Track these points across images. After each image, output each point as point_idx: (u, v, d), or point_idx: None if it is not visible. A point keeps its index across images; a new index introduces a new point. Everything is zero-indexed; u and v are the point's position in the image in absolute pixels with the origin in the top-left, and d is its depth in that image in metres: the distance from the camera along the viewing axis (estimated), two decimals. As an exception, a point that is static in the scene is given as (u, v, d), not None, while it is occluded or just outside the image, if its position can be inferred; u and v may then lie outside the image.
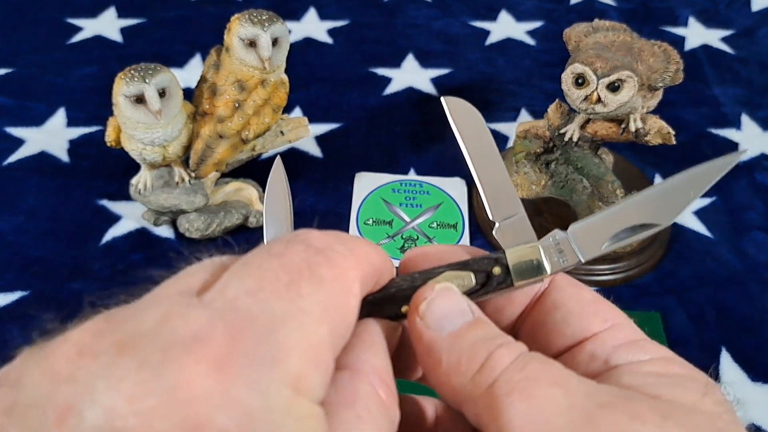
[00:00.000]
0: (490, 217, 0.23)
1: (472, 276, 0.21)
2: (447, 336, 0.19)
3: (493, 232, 0.22)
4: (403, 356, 0.22)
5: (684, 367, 0.19)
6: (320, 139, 0.67)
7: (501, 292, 0.21)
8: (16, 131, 0.67)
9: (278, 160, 0.28)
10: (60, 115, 0.69)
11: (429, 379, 0.20)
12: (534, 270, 0.21)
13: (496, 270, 0.21)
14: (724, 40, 0.82)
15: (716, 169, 0.21)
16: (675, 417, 0.16)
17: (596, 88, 0.49)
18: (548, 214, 0.59)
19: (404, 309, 0.21)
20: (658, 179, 0.63)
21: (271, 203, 0.27)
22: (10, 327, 0.50)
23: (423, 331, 0.19)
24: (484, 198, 0.23)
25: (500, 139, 0.68)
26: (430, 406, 0.23)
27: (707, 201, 0.62)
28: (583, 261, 0.21)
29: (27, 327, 0.49)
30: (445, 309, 0.19)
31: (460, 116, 0.24)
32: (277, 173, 0.28)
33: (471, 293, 0.21)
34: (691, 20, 0.85)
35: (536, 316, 0.21)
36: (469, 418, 0.18)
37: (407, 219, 0.60)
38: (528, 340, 0.21)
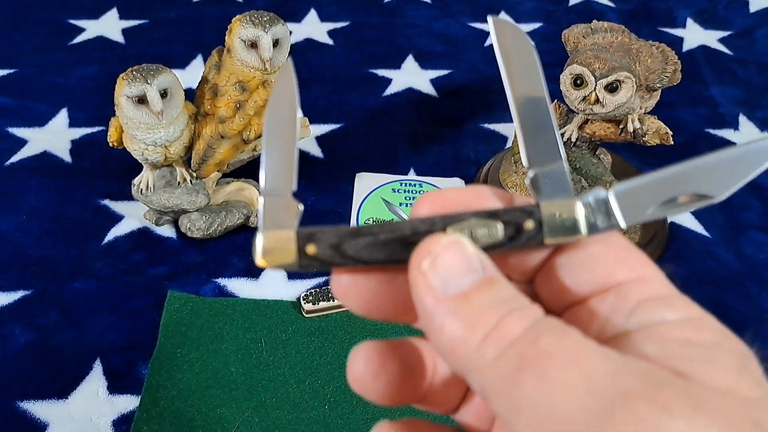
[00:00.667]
0: (525, 163, 0.20)
1: (500, 227, 0.19)
2: (452, 298, 0.17)
3: (526, 181, 0.20)
4: (402, 297, 0.20)
5: (717, 331, 0.17)
6: (321, 140, 0.67)
7: (527, 249, 0.19)
8: (18, 131, 0.67)
9: (289, 62, 0.23)
10: (62, 116, 0.69)
11: (432, 344, 0.18)
12: (569, 229, 0.19)
13: (528, 224, 0.19)
14: (722, 40, 0.83)
15: None
16: (707, 408, 0.14)
17: (594, 88, 0.49)
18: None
19: None
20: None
21: (273, 121, 0.21)
22: (12, 326, 0.50)
23: (424, 291, 0.17)
24: (521, 138, 0.21)
25: (500, 140, 0.68)
26: (428, 352, 0.21)
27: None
28: (624, 226, 0.19)
29: (29, 326, 0.50)
30: (451, 267, 0.17)
31: (508, 42, 0.21)
32: (286, 81, 0.22)
33: (496, 247, 0.19)
34: (689, 21, 0.86)
35: (555, 258, 0.19)
36: (474, 389, 0.17)
37: (407, 219, 0.60)
38: (543, 284, 0.20)
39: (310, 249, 0.19)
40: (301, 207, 0.20)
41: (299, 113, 0.22)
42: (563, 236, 0.19)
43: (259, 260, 0.19)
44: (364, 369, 0.20)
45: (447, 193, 0.20)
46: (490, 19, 0.22)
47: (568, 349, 0.15)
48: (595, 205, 0.19)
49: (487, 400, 0.16)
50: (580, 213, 0.19)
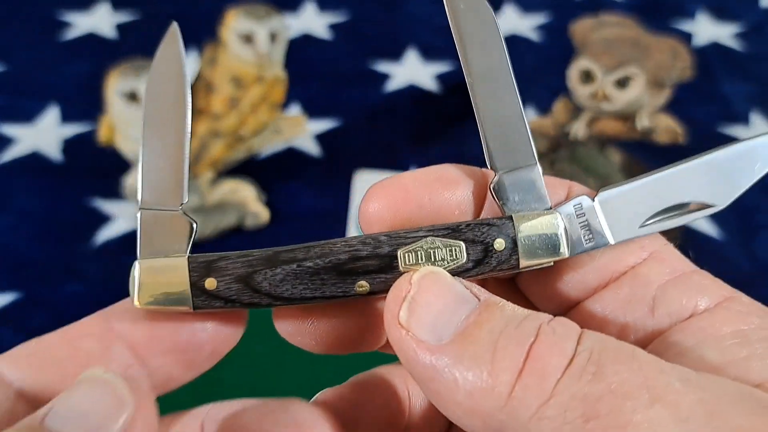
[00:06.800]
0: (488, 164, 0.17)
1: (463, 248, 0.15)
2: (451, 343, 0.13)
3: (490, 187, 0.16)
4: (359, 327, 0.17)
5: (759, 311, 0.15)
6: (319, 137, 0.66)
7: (497, 274, 0.15)
8: (7, 130, 0.66)
9: (174, 27, 0.18)
10: (52, 114, 0.68)
11: (440, 408, 0.14)
12: (548, 247, 0.15)
13: (499, 243, 0.15)
14: (734, 36, 0.81)
15: None
16: None
17: (603, 84, 0.48)
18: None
19: (361, 286, 0.15)
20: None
21: (154, 107, 0.16)
22: (3, 329, 0.50)
23: (414, 349, 0.13)
24: (483, 135, 0.17)
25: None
26: (400, 382, 0.18)
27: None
28: (612, 243, 0.16)
29: (19, 329, 0.49)
30: (435, 306, 0.14)
31: (462, 8, 0.17)
32: (169, 51, 0.17)
33: (458, 273, 0.15)
34: (700, 15, 0.84)
35: None
36: None
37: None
38: (531, 282, 0.16)
39: (210, 283, 0.15)
40: (195, 225, 0.16)
41: (188, 96, 0.16)
42: (541, 257, 0.15)
43: (136, 299, 0.15)
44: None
45: (403, 180, 0.16)
46: None
47: (640, 378, 0.12)
48: (578, 218, 0.16)
49: None
50: (561, 227, 0.15)
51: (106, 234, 0.57)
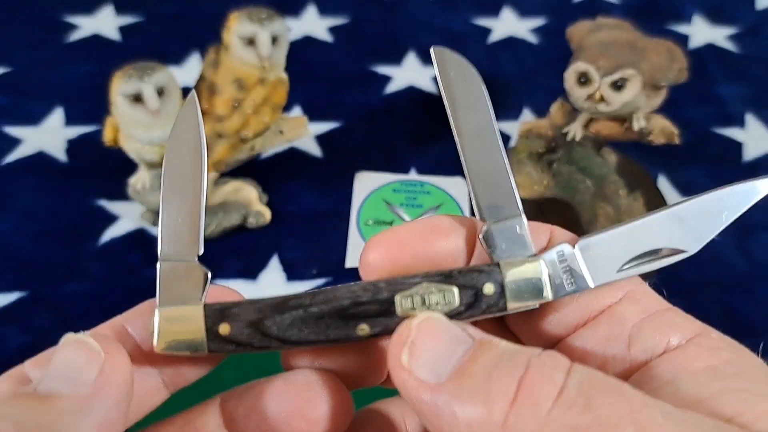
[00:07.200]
0: (478, 215, 0.18)
1: (456, 292, 0.16)
2: (449, 380, 0.14)
3: (480, 236, 0.18)
4: (361, 366, 0.18)
5: (729, 347, 0.16)
6: (320, 138, 0.67)
7: (487, 316, 0.17)
8: (12, 131, 0.66)
9: (192, 96, 0.19)
10: (57, 114, 0.68)
11: None
12: (532, 292, 0.17)
13: (488, 288, 0.16)
14: (729, 38, 0.82)
15: (753, 190, 0.18)
16: None
17: (599, 86, 0.48)
18: (550, 215, 0.58)
19: (362, 329, 0.16)
20: (662, 179, 0.63)
21: (174, 168, 0.17)
22: (8, 328, 0.50)
23: (416, 389, 0.15)
24: (471, 187, 0.18)
25: (502, 138, 0.67)
26: (397, 415, 0.20)
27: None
28: (592, 287, 0.17)
29: (23, 328, 0.49)
30: (434, 348, 0.15)
31: (453, 75, 0.19)
32: (188, 119, 0.18)
33: (452, 316, 0.16)
34: (696, 18, 0.85)
35: None
36: None
37: (408, 219, 0.59)
38: (520, 321, 0.18)
39: (224, 328, 0.16)
40: (209, 274, 0.17)
41: (205, 157, 0.18)
42: (527, 300, 0.17)
43: (156, 344, 0.16)
44: None
45: (400, 232, 0.18)
46: (432, 49, 0.19)
47: (627, 410, 0.13)
48: (560, 264, 0.17)
49: None
50: (545, 273, 0.17)
51: (110, 234, 0.57)
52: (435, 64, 0.19)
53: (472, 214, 0.60)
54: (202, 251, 0.17)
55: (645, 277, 0.18)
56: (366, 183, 0.62)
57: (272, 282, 0.54)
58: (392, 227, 0.18)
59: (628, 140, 0.52)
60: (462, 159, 0.18)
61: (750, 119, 0.70)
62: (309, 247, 0.56)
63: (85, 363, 0.15)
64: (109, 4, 0.83)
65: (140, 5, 0.83)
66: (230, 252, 0.56)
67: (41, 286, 0.53)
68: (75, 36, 0.79)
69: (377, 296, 0.16)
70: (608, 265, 0.17)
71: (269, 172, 0.62)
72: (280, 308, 0.16)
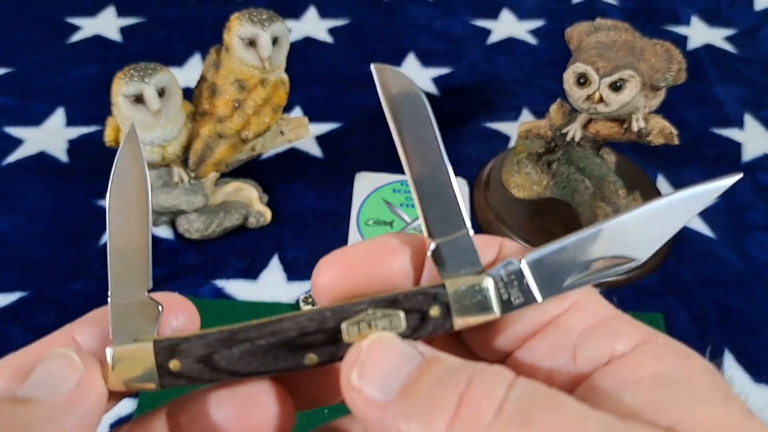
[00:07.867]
0: (425, 233, 0.18)
1: (402, 317, 0.16)
2: (396, 398, 0.14)
3: (428, 254, 0.18)
4: (316, 387, 0.18)
5: (675, 352, 0.16)
6: (320, 139, 0.67)
7: (435, 335, 0.17)
8: (14, 131, 0.67)
9: (132, 129, 0.19)
10: (59, 115, 0.69)
11: None
12: (479, 308, 0.17)
13: (434, 311, 0.17)
14: (727, 39, 0.82)
15: (703, 195, 0.17)
16: None
17: (598, 87, 0.48)
18: (550, 215, 0.58)
19: (310, 359, 0.16)
20: (660, 179, 0.63)
21: (118, 202, 0.17)
22: (10, 327, 0.50)
23: (365, 408, 0.15)
24: (418, 205, 0.18)
25: (502, 139, 0.68)
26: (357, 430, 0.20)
27: (710, 201, 0.61)
28: (540, 300, 0.17)
29: (26, 328, 0.49)
30: (382, 366, 0.15)
31: (395, 93, 0.18)
32: (130, 151, 0.18)
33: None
34: (694, 19, 0.85)
35: None
36: None
37: (408, 220, 0.59)
38: (473, 335, 0.18)
39: (174, 365, 0.16)
40: (161, 308, 0.17)
41: (149, 188, 0.18)
42: (473, 316, 0.17)
43: (110, 382, 0.16)
44: None
45: (349, 253, 0.18)
46: (372, 66, 0.18)
47: (565, 424, 0.13)
48: (507, 279, 0.17)
49: None
50: (491, 289, 0.17)
51: (111, 233, 0.57)
52: (377, 82, 0.18)
53: (472, 213, 0.60)
54: (151, 285, 0.17)
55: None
56: (366, 183, 0.62)
57: (273, 282, 0.54)
58: (342, 248, 0.18)
59: (626, 141, 0.52)
60: (408, 176, 0.18)
61: (748, 120, 0.71)
62: (309, 247, 0.57)
63: (64, 373, 0.16)
64: (110, 5, 0.83)
65: (142, 7, 0.83)
66: (231, 252, 0.56)
67: (43, 285, 0.53)
68: (77, 37, 0.79)
69: (323, 325, 0.16)
70: (556, 279, 0.17)
71: (270, 172, 0.62)
72: (228, 342, 0.16)
